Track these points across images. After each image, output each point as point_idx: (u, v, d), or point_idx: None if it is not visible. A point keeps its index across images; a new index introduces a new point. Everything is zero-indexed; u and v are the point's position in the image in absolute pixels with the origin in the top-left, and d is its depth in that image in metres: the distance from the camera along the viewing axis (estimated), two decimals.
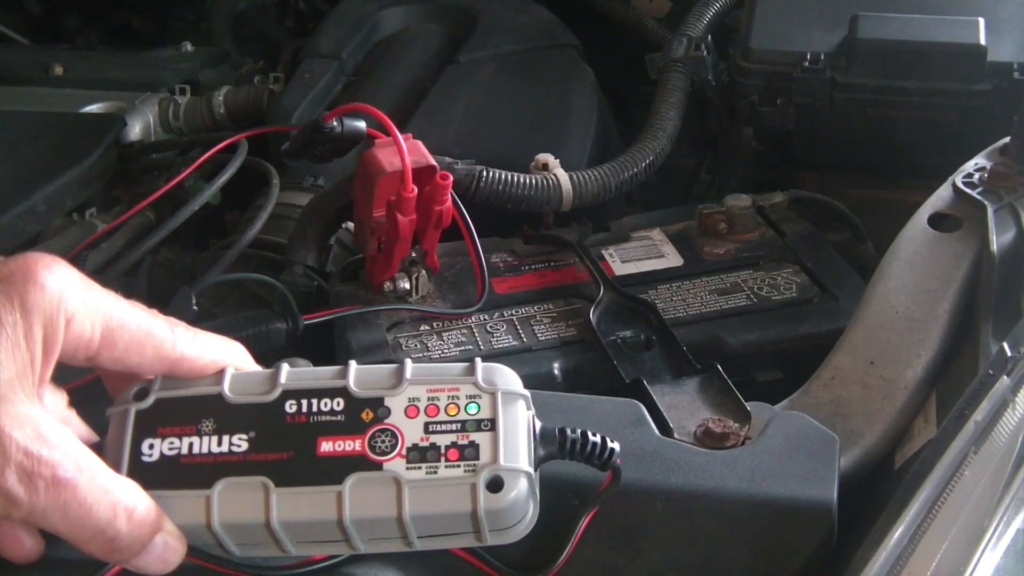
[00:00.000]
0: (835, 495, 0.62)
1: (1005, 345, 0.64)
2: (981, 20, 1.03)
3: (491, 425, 0.55)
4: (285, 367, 0.57)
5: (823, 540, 0.62)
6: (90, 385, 0.61)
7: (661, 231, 1.00)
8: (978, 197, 0.82)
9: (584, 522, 0.60)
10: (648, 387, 0.74)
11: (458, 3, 1.43)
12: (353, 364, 0.57)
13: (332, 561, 0.59)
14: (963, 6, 1.09)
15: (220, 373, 0.57)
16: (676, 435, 0.67)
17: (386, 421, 0.55)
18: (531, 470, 0.55)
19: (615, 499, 0.61)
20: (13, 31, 1.66)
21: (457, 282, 0.92)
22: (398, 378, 0.56)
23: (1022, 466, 0.60)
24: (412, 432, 0.55)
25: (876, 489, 0.67)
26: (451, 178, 0.84)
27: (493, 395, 0.56)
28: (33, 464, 0.49)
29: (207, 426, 0.55)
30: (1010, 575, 0.57)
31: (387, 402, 0.55)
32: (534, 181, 0.97)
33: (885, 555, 0.55)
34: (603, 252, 0.97)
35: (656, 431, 0.66)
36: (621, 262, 0.95)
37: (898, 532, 0.56)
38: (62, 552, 0.55)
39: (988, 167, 0.85)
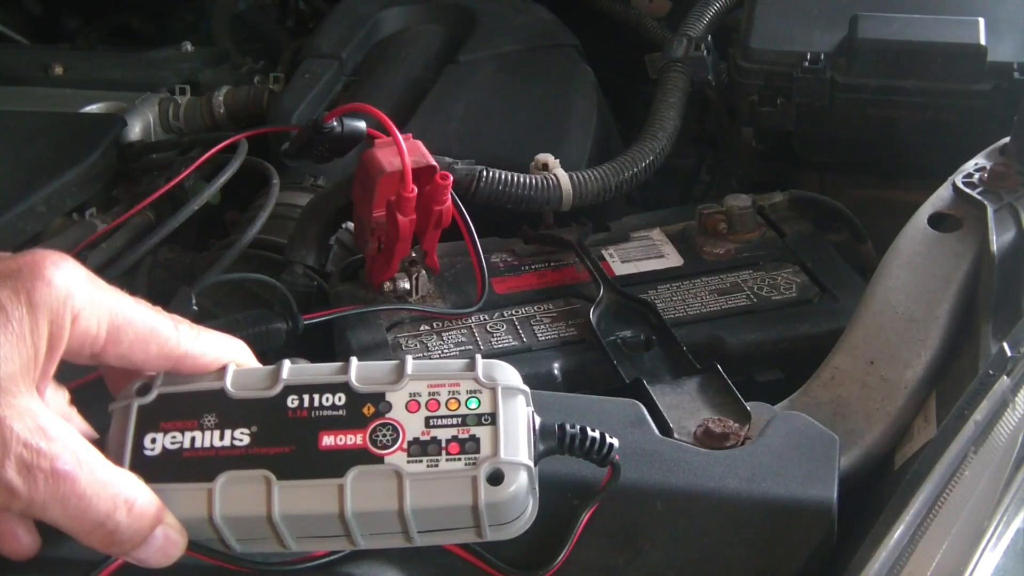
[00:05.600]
0: (835, 495, 0.62)
1: (1005, 345, 0.64)
2: (981, 20, 1.03)
3: (491, 419, 0.55)
4: (287, 363, 0.57)
5: (823, 540, 0.62)
6: (91, 384, 0.61)
7: (661, 231, 1.00)
8: (978, 197, 0.82)
9: (584, 519, 0.61)
10: (648, 387, 0.74)
11: (458, 3, 1.43)
12: (354, 360, 0.57)
13: (332, 557, 0.59)
14: (963, 6, 1.09)
15: (222, 369, 0.57)
16: (676, 435, 0.68)
17: (387, 416, 0.55)
18: (531, 464, 0.55)
19: (615, 499, 0.61)
20: (13, 31, 1.66)
21: (457, 282, 0.92)
22: (399, 374, 0.56)
23: (1022, 466, 0.60)
24: (413, 426, 0.55)
25: (876, 489, 0.67)
26: (451, 178, 0.84)
27: (493, 390, 0.56)
28: (32, 456, 0.49)
29: (209, 420, 0.55)
30: (1010, 575, 0.57)
31: (388, 397, 0.56)
32: (534, 181, 0.97)
33: (885, 555, 0.55)
34: (603, 252, 0.97)
35: (656, 431, 0.66)
36: (621, 262, 0.95)
37: (898, 532, 0.56)
38: (61, 551, 0.55)
39: (988, 167, 0.85)
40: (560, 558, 0.60)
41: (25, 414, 0.50)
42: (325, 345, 0.86)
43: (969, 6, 1.08)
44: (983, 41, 1.02)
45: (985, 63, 1.02)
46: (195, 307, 0.82)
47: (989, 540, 0.57)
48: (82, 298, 0.52)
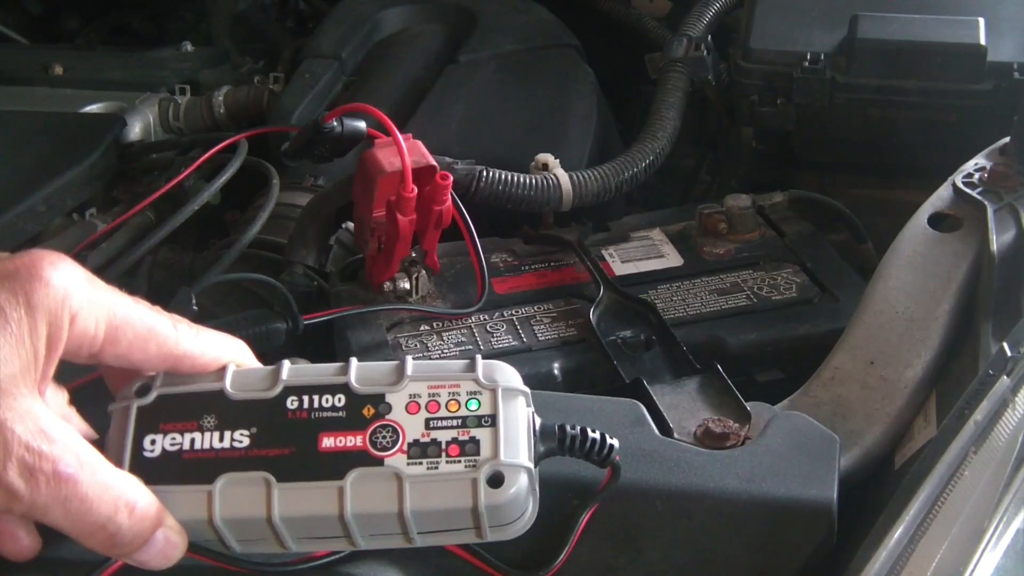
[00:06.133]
0: (835, 495, 0.62)
1: (1005, 345, 0.64)
2: (981, 20, 1.03)
3: (491, 421, 0.55)
4: (287, 364, 0.57)
5: (823, 540, 0.62)
6: (91, 384, 0.61)
7: (661, 231, 1.00)
8: (978, 197, 0.82)
9: (584, 519, 0.61)
10: (648, 387, 0.74)
11: (458, 3, 1.43)
12: (354, 361, 0.57)
13: (332, 557, 0.59)
14: (963, 6, 1.09)
15: (222, 370, 0.57)
16: (676, 435, 0.67)
17: (387, 417, 0.55)
18: (531, 466, 0.55)
19: (615, 499, 0.61)
20: (13, 31, 1.66)
21: (457, 282, 0.92)
22: (399, 375, 0.56)
23: (1022, 466, 0.60)
24: (413, 428, 0.55)
25: (876, 489, 0.67)
26: (451, 178, 0.84)
27: (493, 391, 0.56)
28: (34, 459, 0.49)
29: (209, 422, 0.55)
30: (1010, 575, 0.57)
31: (388, 398, 0.56)
32: (534, 181, 0.97)
33: (885, 555, 0.55)
34: (603, 252, 0.97)
35: (656, 431, 0.66)
36: (621, 262, 0.95)
37: (898, 532, 0.56)
38: (61, 552, 0.55)
39: (988, 167, 0.85)
40: (560, 558, 0.60)
41: (26, 416, 0.49)
42: (325, 345, 0.86)
43: (969, 6, 1.08)
44: (983, 41, 1.02)
45: (985, 63, 1.02)
46: (195, 307, 0.82)
47: (989, 540, 0.57)
48: (80, 298, 0.52)
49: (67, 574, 0.56)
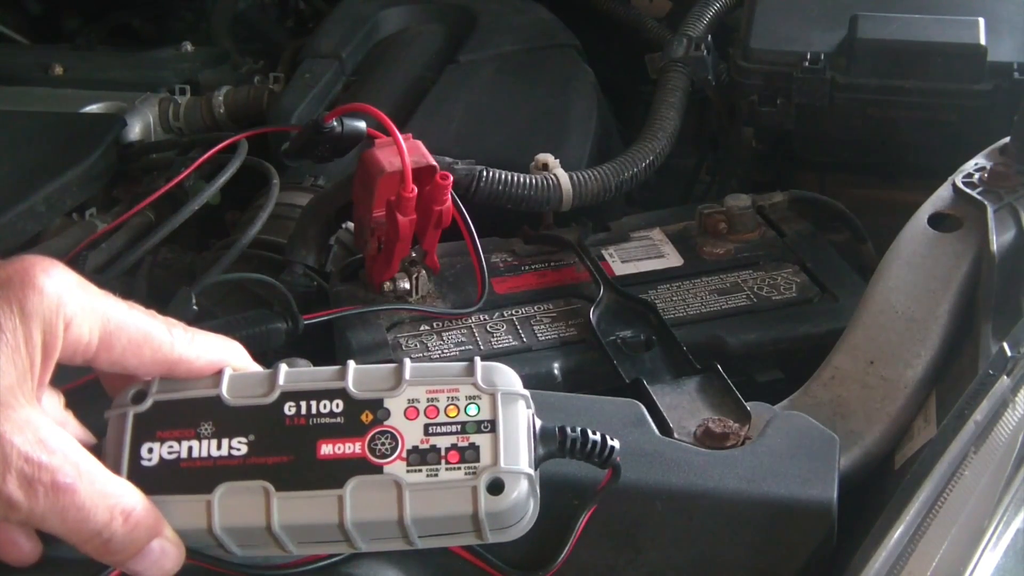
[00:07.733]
0: (835, 495, 0.62)
1: (1005, 345, 0.64)
2: (981, 20, 1.03)
3: (491, 426, 0.55)
4: (283, 368, 0.57)
5: (823, 540, 0.62)
6: (87, 385, 0.61)
7: (661, 231, 1.00)
8: (978, 197, 0.82)
9: (583, 520, 0.60)
10: (648, 387, 0.74)
11: (458, 3, 1.43)
12: (352, 364, 0.57)
13: (332, 560, 0.59)
14: (963, 6, 1.09)
15: (218, 374, 0.56)
16: (676, 435, 0.67)
17: (386, 423, 0.55)
18: (532, 471, 0.55)
19: (615, 499, 0.61)
20: (13, 31, 1.66)
21: (457, 282, 0.92)
22: (397, 379, 0.56)
23: (1022, 466, 0.60)
24: (412, 434, 0.55)
25: (876, 489, 0.67)
26: (451, 178, 0.84)
27: (493, 396, 0.56)
28: (33, 470, 0.49)
29: (206, 429, 0.55)
30: (1010, 575, 0.57)
31: (386, 403, 0.55)
32: (534, 181, 0.97)
33: (885, 555, 0.55)
34: (603, 252, 0.97)
35: (656, 431, 0.66)
36: (621, 262, 0.95)
37: (898, 532, 0.56)
38: (62, 552, 0.55)
39: (988, 167, 0.85)
40: (560, 558, 0.60)
41: (25, 427, 0.49)
42: (325, 345, 0.86)
43: (969, 6, 1.08)
44: (983, 41, 1.02)
45: (985, 63, 1.02)
46: (195, 307, 0.82)
47: (989, 540, 0.57)
48: (74, 305, 0.51)
49: (68, 574, 0.56)
